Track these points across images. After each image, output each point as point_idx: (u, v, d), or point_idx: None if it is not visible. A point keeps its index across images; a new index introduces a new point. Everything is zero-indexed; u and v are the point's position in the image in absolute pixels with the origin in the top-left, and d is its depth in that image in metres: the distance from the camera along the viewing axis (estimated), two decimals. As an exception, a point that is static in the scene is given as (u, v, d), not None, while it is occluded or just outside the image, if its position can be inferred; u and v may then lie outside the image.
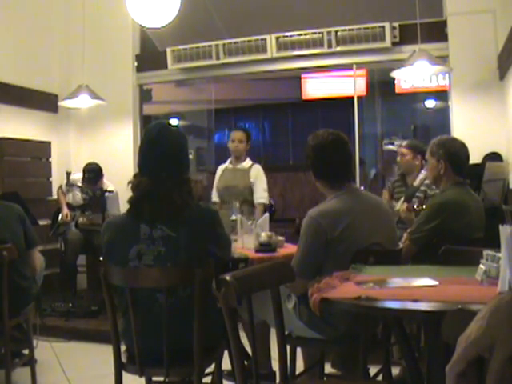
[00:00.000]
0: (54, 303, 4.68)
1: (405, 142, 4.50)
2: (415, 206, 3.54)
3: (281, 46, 5.59)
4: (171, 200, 2.17)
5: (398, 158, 4.43)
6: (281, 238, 3.58)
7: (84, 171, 5.09)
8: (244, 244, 3.52)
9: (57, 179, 5.83)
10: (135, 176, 2.27)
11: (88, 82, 5.16)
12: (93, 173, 5.05)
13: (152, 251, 2.15)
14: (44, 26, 5.88)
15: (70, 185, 5.15)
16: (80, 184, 5.15)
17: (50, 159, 5.90)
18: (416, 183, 4.04)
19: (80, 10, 5.62)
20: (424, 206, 3.48)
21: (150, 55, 6.39)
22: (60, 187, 5.31)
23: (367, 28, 5.24)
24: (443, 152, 3.02)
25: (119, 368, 2.21)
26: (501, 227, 1.57)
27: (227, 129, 12.01)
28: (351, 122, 5.96)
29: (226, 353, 2.28)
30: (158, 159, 2.23)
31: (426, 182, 3.83)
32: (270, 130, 12.03)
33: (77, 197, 5.21)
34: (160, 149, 2.24)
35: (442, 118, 7.40)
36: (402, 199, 3.99)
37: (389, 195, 4.48)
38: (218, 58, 5.76)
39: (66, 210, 5.11)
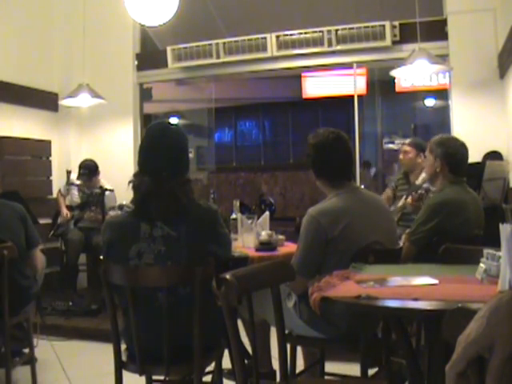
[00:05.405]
0: (55, 302, 4.68)
1: (408, 140, 4.49)
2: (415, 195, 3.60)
3: (281, 45, 5.58)
4: (177, 198, 2.17)
5: (401, 156, 4.40)
6: (281, 237, 3.58)
7: (80, 167, 5.15)
8: (244, 243, 3.52)
9: (57, 178, 5.84)
10: (135, 175, 2.27)
11: (88, 80, 5.17)
12: (87, 169, 5.11)
13: (152, 250, 2.15)
14: (45, 25, 5.88)
15: (70, 184, 5.18)
16: (78, 182, 5.18)
17: (51, 158, 5.90)
18: (418, 181, 4.04)
19: (80, 8, 5.63)
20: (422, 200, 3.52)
21: (150, 54, 6.39)
22: (59, 191, 5.36)
23: (367, 27, 5.24)
24: (440, 151, 3.04)
25: (119, 367, 2.21)
26: (501, 226, 1.57)
27: (227, 127, 12.03)
28: (351, 121, 5.96)
29: (226, 351, 2.28)
30: (159, 159, 2.23)
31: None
32: (270, 128, 12.03)
33: (74, 196, 5.24)
34: (162, 148, 2.24)
35: (442, 116, 7.40)
36: (404, 197, 4.00)
37: (392, 194, 4.46)
38: (218, 56, 5.76)
39: (64, 210, 5.15)
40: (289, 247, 3.48)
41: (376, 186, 8.27)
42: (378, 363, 2.42)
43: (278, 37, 5.59)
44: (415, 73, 4.65)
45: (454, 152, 3.03)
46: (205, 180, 9.40)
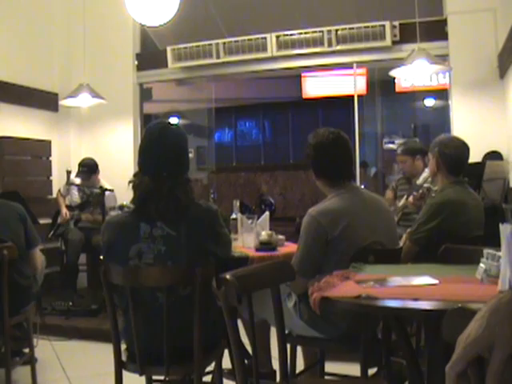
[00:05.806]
0: (55, 302, 4.68)
1: (399, 150, 4.46)
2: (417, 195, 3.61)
3: (281, 45, 5.59)
4: (177, 198, 2.17)
5: (400, 166, 4.45)
6: (281, 237, 3.58)
7: (79, 165, 5.17)
8: (244, 243, 3.51)
9: (57, 178, 5.84)
10: (135, 175, 2.27)
11: (88, 80, 5.17)
12: (86, 166, 5.12)
13: (152, 250, 2.15)
14: (45, 25, 5.88)
15: (70, 184, 5.18)
16: (78, 182, 5.19)
17: (51, 158, 5.90)
18: (419, 181, 4.05)
19: (81, 8, 5.63)
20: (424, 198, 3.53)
21: (150, 54, 6.39)
22: (59, 191, 5.37)
23: (367, 27, 5.24)
24: (437, 150, 3.05)
25: (119, 367, 2.21)
26: (501, 226, 1.57)
27: (227, 127, 12.02)
28: (351, 121, 5.96)
29: (226, 351, 2.28)
30: (159, 159, 2.23)
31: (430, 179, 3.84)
32: (270, 128, 12.02)
33: (74, 196, 5.25)
34: (161, 148, 2.24)
35: (442, 116, 7.40)
36: (405, 196, 4.00)
37: (393, 195, 4.47)
38: (218, 56, 5.76)
39: (64, 210, 5.16)
40: (289, 247, 3.48)
41: (376, 186, 8.26)
42: (377, 363, 2.42)
43: (277, 37, 5.59)
44: (415, 73, 4.65)
45: (450, 152, 3.03)
46: (205, 180, 9.40)
